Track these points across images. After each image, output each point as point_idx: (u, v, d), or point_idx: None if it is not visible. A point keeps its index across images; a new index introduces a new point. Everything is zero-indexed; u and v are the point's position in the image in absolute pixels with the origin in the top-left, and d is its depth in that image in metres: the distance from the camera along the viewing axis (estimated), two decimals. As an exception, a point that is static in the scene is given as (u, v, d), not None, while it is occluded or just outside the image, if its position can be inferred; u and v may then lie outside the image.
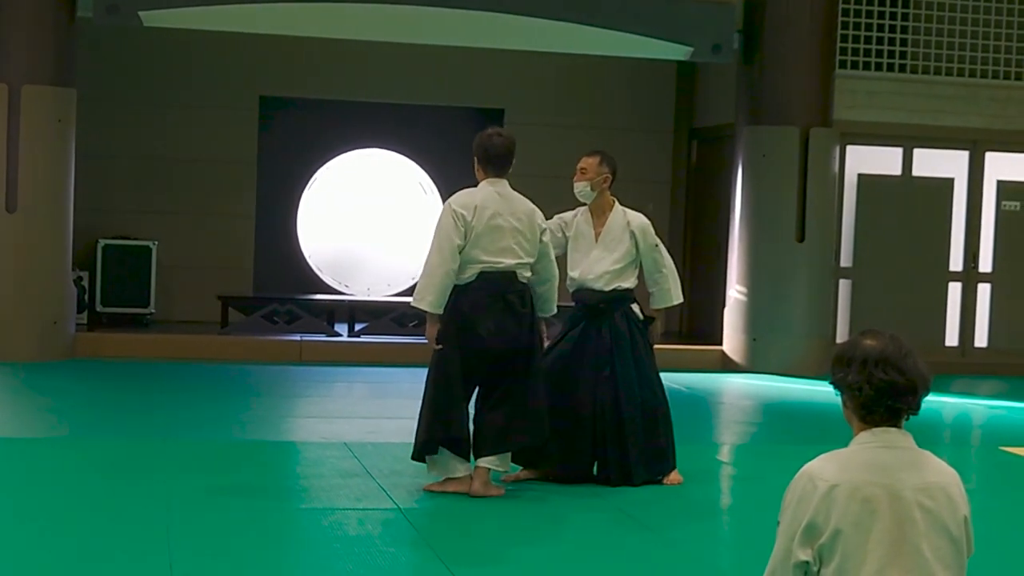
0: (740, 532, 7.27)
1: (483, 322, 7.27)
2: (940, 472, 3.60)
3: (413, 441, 7.46)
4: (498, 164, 7.47)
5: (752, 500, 7.96)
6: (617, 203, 8.10)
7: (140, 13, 12.72)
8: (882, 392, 3.57)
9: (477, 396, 7.53)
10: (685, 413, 11.32)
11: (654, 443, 7.92)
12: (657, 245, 8.08)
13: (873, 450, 3.59)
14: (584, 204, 8.09)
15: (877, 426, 3.62)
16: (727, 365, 14.11)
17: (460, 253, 7.26)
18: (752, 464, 9.27)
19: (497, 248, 7.31)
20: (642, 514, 7.23)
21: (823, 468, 3.58)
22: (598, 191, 8.01)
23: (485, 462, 7.41)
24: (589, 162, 8.06)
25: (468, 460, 7.41)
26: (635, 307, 8.02)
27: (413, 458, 7.48)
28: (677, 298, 8.14)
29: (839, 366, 3.66)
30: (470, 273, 7.30)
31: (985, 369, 14.66)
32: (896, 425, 3.63)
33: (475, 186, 7.49)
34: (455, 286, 7.29)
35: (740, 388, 13.06)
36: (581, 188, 8.02)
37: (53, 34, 12.55)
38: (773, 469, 8.81)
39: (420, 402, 7.47)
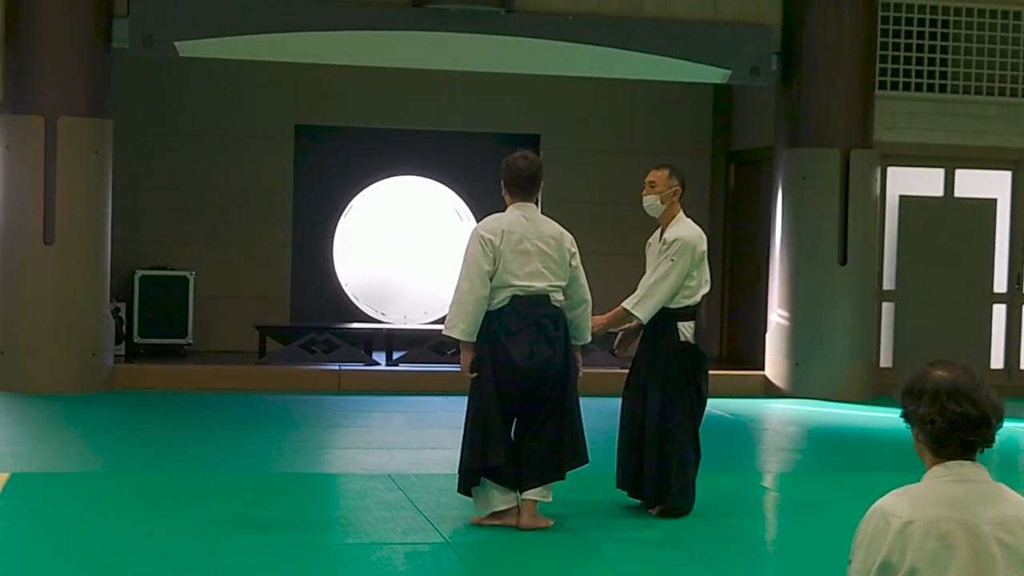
0: (799, 567, 7.12)
1: (517, 347, 7.16)
2: (1018, 505, 3.50)
3: (457, 473, 7.37)
4: (524, 187, 7.38)
5: (805, 532, 7.81)
6: (681, 214, 7.96)
7: (176, 44, 12.72)
8: (955, 424, 3.47)
9: (516, 427, 7.40)
10: (729, 439, 11.25)
11: (663, 464, 7.76)
12: (671, 261, 7.76)
13: (947, 484, 3.48)
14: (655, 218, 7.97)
15: (950, 459, 3.52)
16: (769, 390, 13.96)
17: (491, 279, 7.18)
18: (801, 493, 9.11)
19: (526, 272, 7.22)
20: (694, 546, 7.11)
21: (896, 504, 3.46)
22: (667, 204, 7.89)
23: (531, 494, 7.30)
24: (658, 175, 7.94)
25: (512, 490, 7.29)
26: (684, 326, 7.83)
27: (459, 491, 7.38)
28: (637, 311, 7.74)
29: (910, 398, 3.56)
30: (502, 297, 7.21)
31: (1032, 391, 14.48)
32: (970, 458, 3.52)
33: (504, 211, 7.41)
34: (487, 311, 7.20)
35: (783, 414, 12.92)
36: (651, 202, 7.90)
37: (89, 66, 12.55)
38: (822, 498, 8.70)
39: (462, 432, 7.38)
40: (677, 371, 7.77)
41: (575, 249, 7.44)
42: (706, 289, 7.94)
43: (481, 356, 7.21)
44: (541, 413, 7.27)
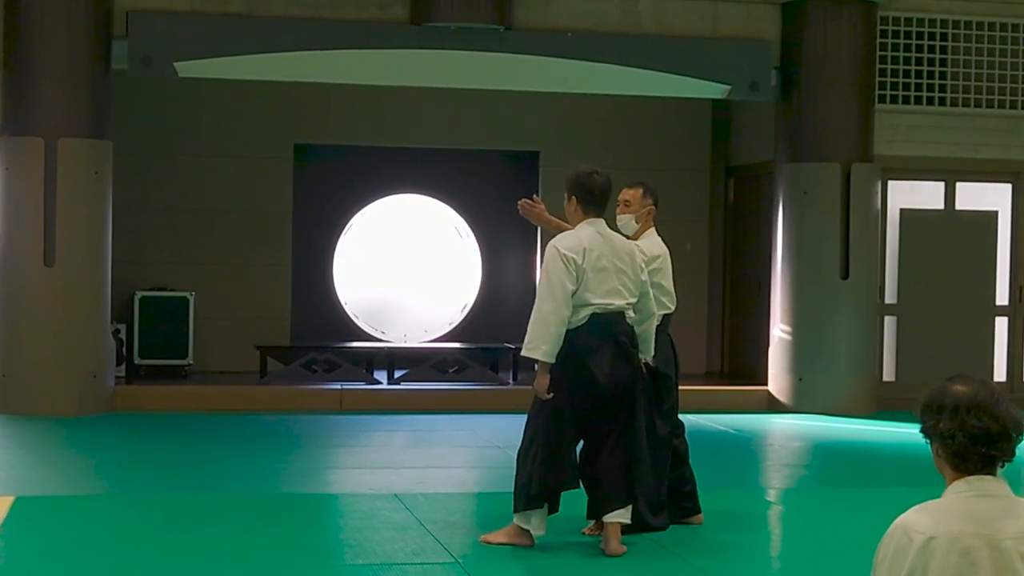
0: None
1: (597, 366, 7.01)
2: (1040, 520, 3.46)
3: (516, 490, 7.14)
4: (600, 203, 7.23)
5: (811, 547, 7.78)
6: (652, 230, 7.88)
7: (175, 64, 12.71)
8: (976, 439, 3.45)
9: (584, 449, 7.25)
10: (732, 455, 11.25)
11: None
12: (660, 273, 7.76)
13: (969, 500, 3.45)
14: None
15: (971, 475, 3.48)
16: (773, 405, 13.93)
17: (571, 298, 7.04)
18: (806, 508, 9.08)
19: (605, 290, 7.08)
20: (701, 561, 7.08)
21: (918, 520, 3.43)
22: (642, 222, 7.86)
23: (615, 516, 7.13)
24: (632, 194, 7.89)
25: (548, 516, 7.17)
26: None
27: (516, 510, 7.16)
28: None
29: (930, 414, 3.53)
30: (581, 316, 7.04)
31: (1035, 404, 14.42)
32: (991, 473, 3.49)
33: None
34: (566, 330, 7.03)
35: (787, 429, 12.89)
36: (625, 221, 7.83)
37: (88, 87, 12.54)
38: (826, 513, 8.69)
39: (523, 450, 7.16)
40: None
41: (643, 264, 7.38)
42: (670, 308, 7.81)
43: (558, 377, 7.01)
44: (614, 433, 7.13)
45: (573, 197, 7.24)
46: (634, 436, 7.16)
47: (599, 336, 7.05)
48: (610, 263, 7.12)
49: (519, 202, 7.69)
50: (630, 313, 7.21)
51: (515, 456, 7.30)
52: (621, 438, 7.13)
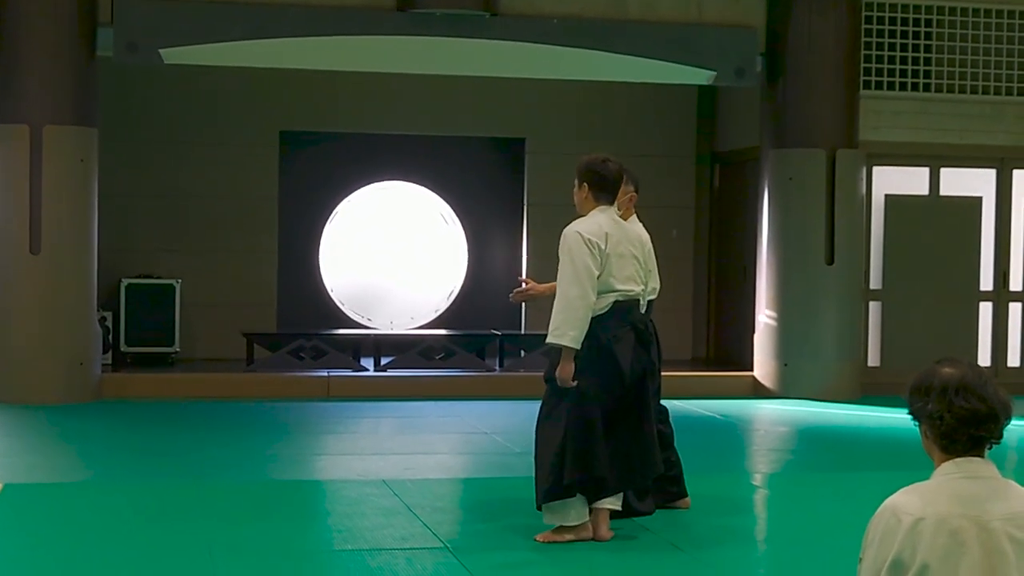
0: (792, 567, 7.12)
1: (622, 354, 6.94)
2: (1027, 501, 3.49)
3: (543, 485, 6.98)
4: (611, 191, 7.17)
5: (797, 532, 7.81)
6: (634, 216, 7.85)
7: (160, 51, 12.69)
8: (964, 420, 3.48)
9: None
10: (718, 440, 11.28)
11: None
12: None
13: (957, 481, 3.48)
14: None
15: (959, 456, 3.51)
16: (758, 391, 13.97)
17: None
18: (791, 492, 9.12)
19: (625, 276, 7.04)
20: (689, 546, 7.10)
21: (907, 502, 3.46)
22: (623, 209, 7.85)
23: (605, 503, 7.08)
24: None
25: (589, 503, 7.07)
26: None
27: (541, 503, 7.03)
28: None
29: (918, 396, 3.56)
30: (605, 303, 6.95)
31: (1019, 389, 14.37)
32: (979, 454, 3.52)
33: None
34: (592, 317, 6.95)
35: (772, 414, 12.93)
36: None
37: (73, 74, 12.51)
38: (812, 498, 8.72)
39: (543, 442, 7.02)
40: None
41: (651, 252, 7.38)
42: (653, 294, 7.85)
43: (583, 364, 6.89)
44: (616, 422, 7.03)
45: (585, 184, 7.16)
46: (639, 427, 7.07)
47: (622, 324, 6.98)
48: (626, 249, 7.07)
49: (511, 297, 7.76)
50: (642, 301, 7.19)
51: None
52: (621, 427, 7.04)
